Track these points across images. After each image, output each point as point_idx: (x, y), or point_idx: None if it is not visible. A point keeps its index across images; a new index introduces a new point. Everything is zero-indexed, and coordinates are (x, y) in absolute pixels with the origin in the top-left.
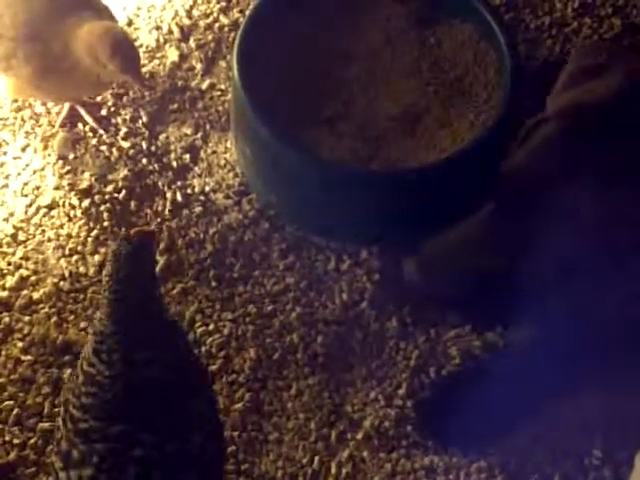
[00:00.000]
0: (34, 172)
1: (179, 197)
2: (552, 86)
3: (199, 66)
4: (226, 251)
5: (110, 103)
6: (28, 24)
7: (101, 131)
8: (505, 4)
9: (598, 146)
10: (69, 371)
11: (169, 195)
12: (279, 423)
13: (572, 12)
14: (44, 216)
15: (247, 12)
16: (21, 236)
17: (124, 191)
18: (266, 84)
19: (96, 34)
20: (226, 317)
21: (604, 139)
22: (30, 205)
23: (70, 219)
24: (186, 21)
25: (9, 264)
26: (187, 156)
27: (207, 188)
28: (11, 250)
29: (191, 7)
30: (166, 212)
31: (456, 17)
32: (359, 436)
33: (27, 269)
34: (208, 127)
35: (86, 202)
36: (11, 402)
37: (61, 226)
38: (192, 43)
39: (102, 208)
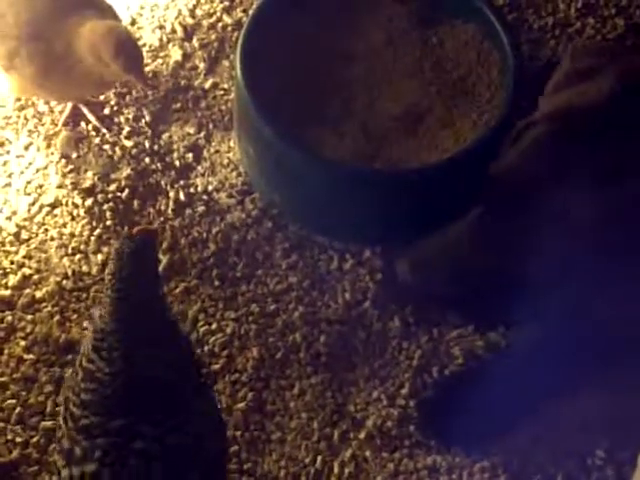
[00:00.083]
0: (37, 171)
1: (182, 196)
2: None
3: (202, 65)
4: (229, 250)
5: (113, 102)
6: (31, 23)
7: (104, 130)
8: (508, 4)
9: (588, 148)
10: (71, 370)
11: (172, 194)
12: (282, 422)
13: (575, 12)
14: (47, 215)
15: (250, 12)
16: (24, 235)
17: (127, 190)
18: (269, 84)
19: (99, 33)
20: (229, 316)
21: (594, 141)
22: (33, 204)
23: (73, 218)
24: (189, 20)
25: (12, 263)
26: (190, 155)
27: (210, 187)
28: (14, 249)
29: (194, 6)
30: (169, 211)
31: (458, 17)
32: (362, 436)
33: (30, 268)
34: (211, 126)
35: (89, 201)
36: (13, 401)
37: (64, 225)
38: (195, 42)
39: (105, 207)
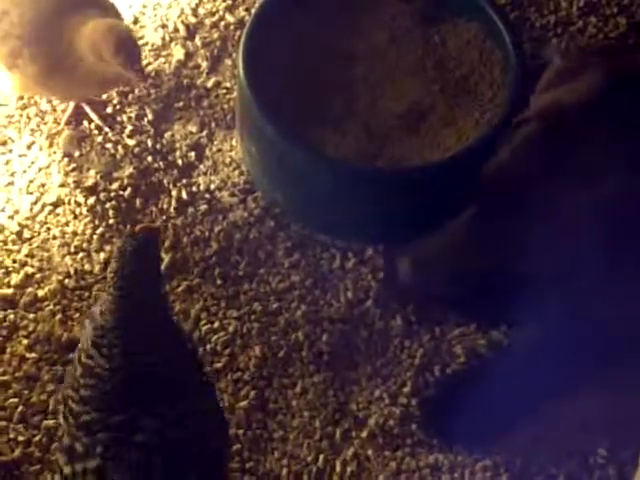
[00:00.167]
0: (39, 169)
1: (184, 195)
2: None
3: (205, 64)
4: (231, 249)
5: (115, 101)
6: (34, 22)
7: (106, 129)
8: (510, 3)
9: (579, 146)
10: (70, 367)
11: (174, 193)
12: (284, 421)
13: (577, 11)
14: (49, 214)
15: (253, 10)
16: (26, 234)
17: (129, 189)
18: (272, 82)
19: (99, 31)
20: (231, 315)
21: (585, 138)
22: (35, 202)
23: (75, 217)
24: (192, 19)
25: (14, 261)
26: (192, 154)
27: (212, 186)
28: (16, 247)
29: (197, 5)
30: (171, 210)
31: (461, 16)
32: (364, 434)
33: (32, 266)
34: (213, 125)
35: (91, 200)
36: (16, 399)
37: (66, 224)
38: (198, 41)
39: (107, 206)
